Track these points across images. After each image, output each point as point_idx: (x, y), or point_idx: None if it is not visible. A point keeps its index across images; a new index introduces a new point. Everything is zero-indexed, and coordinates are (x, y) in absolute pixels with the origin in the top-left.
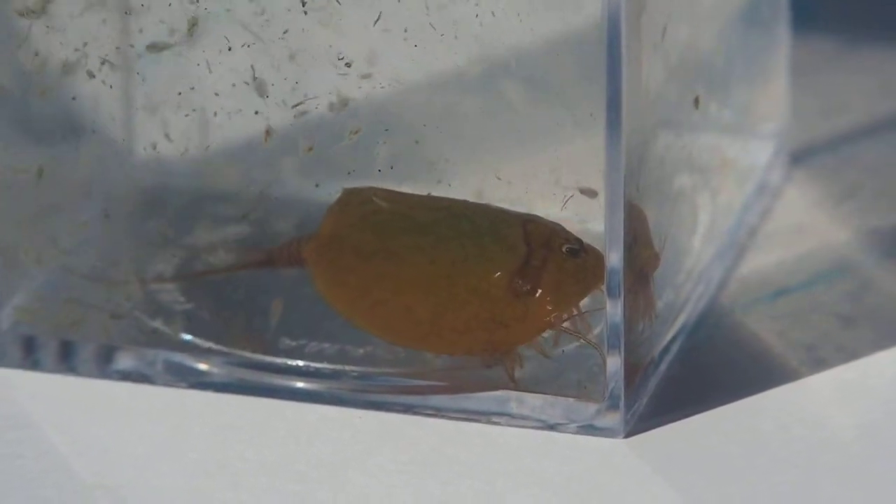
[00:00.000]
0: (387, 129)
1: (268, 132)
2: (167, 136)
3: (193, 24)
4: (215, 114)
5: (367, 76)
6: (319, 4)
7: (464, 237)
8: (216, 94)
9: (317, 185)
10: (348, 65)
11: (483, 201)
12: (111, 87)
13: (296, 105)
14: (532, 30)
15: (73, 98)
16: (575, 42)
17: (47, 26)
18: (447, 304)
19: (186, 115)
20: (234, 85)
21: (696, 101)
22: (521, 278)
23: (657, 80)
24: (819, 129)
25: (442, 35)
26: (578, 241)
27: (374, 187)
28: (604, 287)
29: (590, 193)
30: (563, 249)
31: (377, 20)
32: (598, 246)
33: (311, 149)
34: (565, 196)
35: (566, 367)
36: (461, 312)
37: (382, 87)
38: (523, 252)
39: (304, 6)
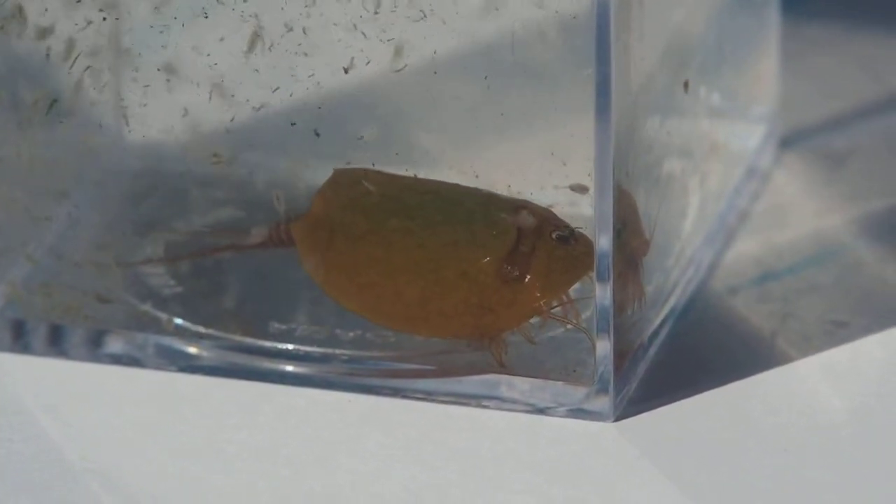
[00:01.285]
0: (377, 114)
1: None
2: (157, 119)
3: (183, 7)
4: (210, 97)
5: (358, 60)
6: None
7: (454, 221)
8: (206, 77)
9: (306, 167)
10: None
11: (473, 185)
12: (102, 71)
13: (280, 89)
14: (521, 15)
15: (65, 81)
16: (564, 27)
17: (40, 9)
18: (435, 288)
19: (175, 99)
20: (223, 68)
21: (686, 86)
22: (510, 264)
23: (647, 65)
24: (809, 113)
25: (430, 20)
26: (569, 228)
27: (365, 168)
28: (593, 273)
29: (580, 190)
30: (553, 236)
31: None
32: (587, 229)
33: (298, 128)
34: (557, 189)
35: (555, 351)
36: (449, 297)
37: (372, 72)
38: (513, 238)
39: None
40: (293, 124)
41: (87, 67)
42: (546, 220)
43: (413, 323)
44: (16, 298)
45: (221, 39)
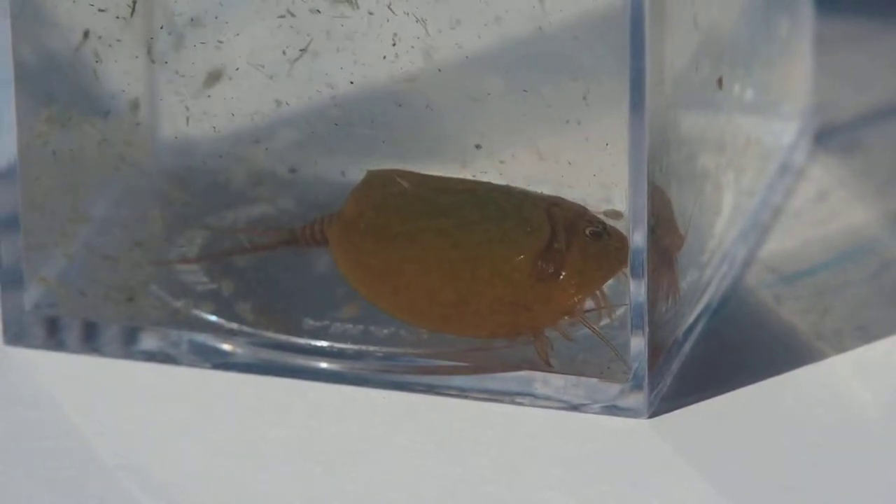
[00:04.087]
0: (410, 112)
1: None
2: (192, 116)
3: (220, 4)
4: (245, 94)
5: (390, 59)
6: None
7: (487, 220)
8: (241, 74)
9: (342, 172)
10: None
11: (505, 183)
12: (137, 66)
13: (313, 87)
14: (556, 10)
15: (99, 77)
16: (598, 22)
17: (73, 2)
18: (470, 288)
19: (210, 96)
20: (259, 65)
21: (720, 82)
22: (545, 262)
23: (681, 61)
24: (843, 109)
25: (463, 17)
26: (602, 223)
27: (398, 170)
28: (627, 269)
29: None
30: (587, 232)
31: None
32: (621, 226)
33: (331, 125)
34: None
35: (590, 348)
36: (484, 296)
37: (406, 70)
38: (547, 235)
39: None
40: (328, 123)
41: (120, 64)
42: (579, 216)
43: (448, 323)
44: (50, 295)
45: (258, 33)
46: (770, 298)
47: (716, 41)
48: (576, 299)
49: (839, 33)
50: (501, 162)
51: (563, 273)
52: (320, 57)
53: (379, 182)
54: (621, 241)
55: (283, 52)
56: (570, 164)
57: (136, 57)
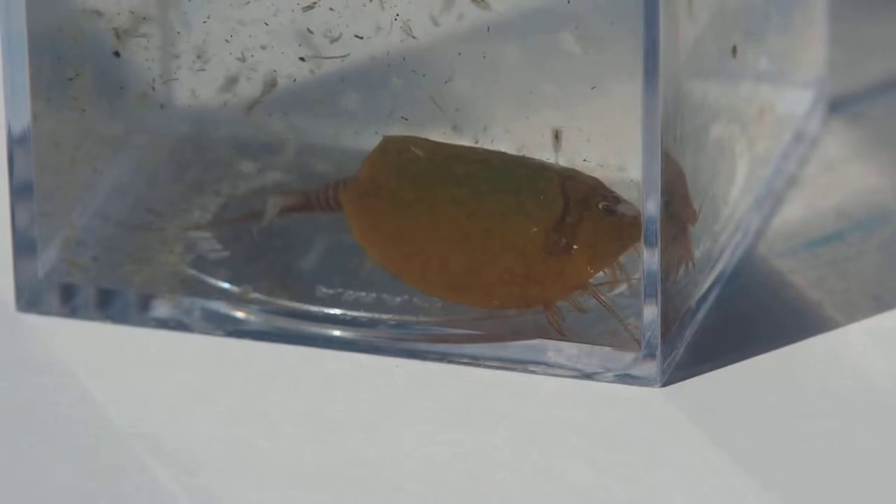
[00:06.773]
0: (424, 76)
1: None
2: (205, 84)
3: None
4: (259, 61)
5: (405, 25)
6: None
7: (501, 191)
8: (254, 43)
9: (353, 131)
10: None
11: (521, 153)
12: (151, 35)
13: (328, 53)
14: None
15: (114, 46)
16: None
17: None
18: (482, 258)
19: (225, 61)
20: (271, 32)
21: (734, 50)
22: (557, 236)
23: (695, 29)
24: (857, 77)
25: None
26: (616, 198)
27: (414, 136)
28: (640, 244)
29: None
30: (600, 207)
31: None
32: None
33: (345, 93)
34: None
35: (603, 317)
36: (496, 267)
37: (421, 36)
38: (560, 209)
39: None
40: (343, 90)
41: (134, 31)
42: (593, 190)
43: (458, 292)
44: (64, 262)
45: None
46: (783, 267)
47: (730, 9)
48: (587, 274)
49: (854, 1)
50: (509, 132)
51: (575, 247)
52: (333, 23)
53: (395, 147)
54: (634, 215)
55: (294, 18)
56: (582, 132)
57: (151, 25)
